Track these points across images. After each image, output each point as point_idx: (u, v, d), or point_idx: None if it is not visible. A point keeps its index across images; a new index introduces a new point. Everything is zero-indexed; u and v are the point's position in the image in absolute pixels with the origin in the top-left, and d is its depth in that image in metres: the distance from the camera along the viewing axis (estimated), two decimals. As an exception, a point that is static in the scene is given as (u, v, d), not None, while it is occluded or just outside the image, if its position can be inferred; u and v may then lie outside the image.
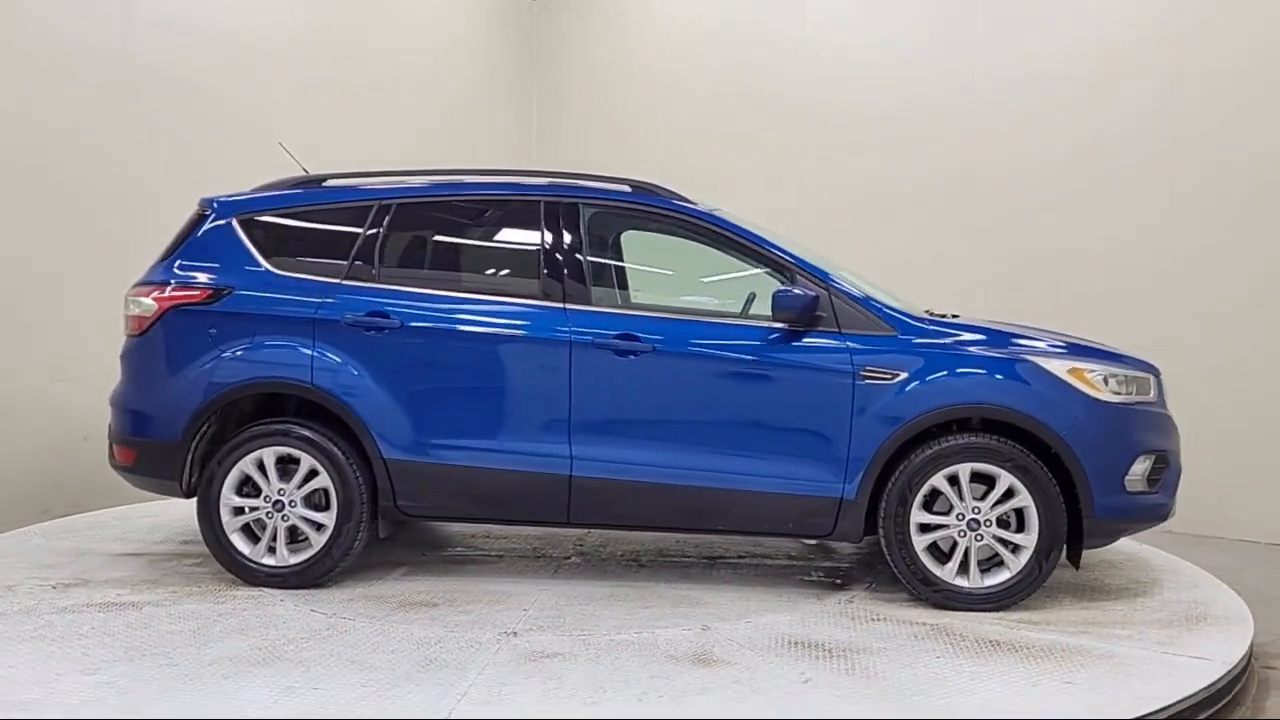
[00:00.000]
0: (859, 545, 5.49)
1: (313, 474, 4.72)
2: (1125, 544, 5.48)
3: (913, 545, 4.54)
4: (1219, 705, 3.83)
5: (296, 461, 4.73)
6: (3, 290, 6.23)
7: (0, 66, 6.20)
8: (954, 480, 4.53)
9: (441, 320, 4.77)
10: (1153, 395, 4.77)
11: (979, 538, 4.53)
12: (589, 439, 4.66)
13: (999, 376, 4.59)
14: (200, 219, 5.04)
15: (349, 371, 4.73)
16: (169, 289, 4.87)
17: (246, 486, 4.76)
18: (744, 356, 4.66)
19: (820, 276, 4.73)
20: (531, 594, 4.72)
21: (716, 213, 4.95)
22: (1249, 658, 4.21)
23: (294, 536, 4.75)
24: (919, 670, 3.83)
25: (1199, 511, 6.10)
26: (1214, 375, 6.84)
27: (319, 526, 4.72)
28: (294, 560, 4.72)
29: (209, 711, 3.37)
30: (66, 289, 6.51)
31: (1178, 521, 5.01)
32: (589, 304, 4.77)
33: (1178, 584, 5.09)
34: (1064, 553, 4.64)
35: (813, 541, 5.61)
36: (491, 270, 5.37)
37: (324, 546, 4.71)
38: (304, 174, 5.25)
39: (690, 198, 5.04)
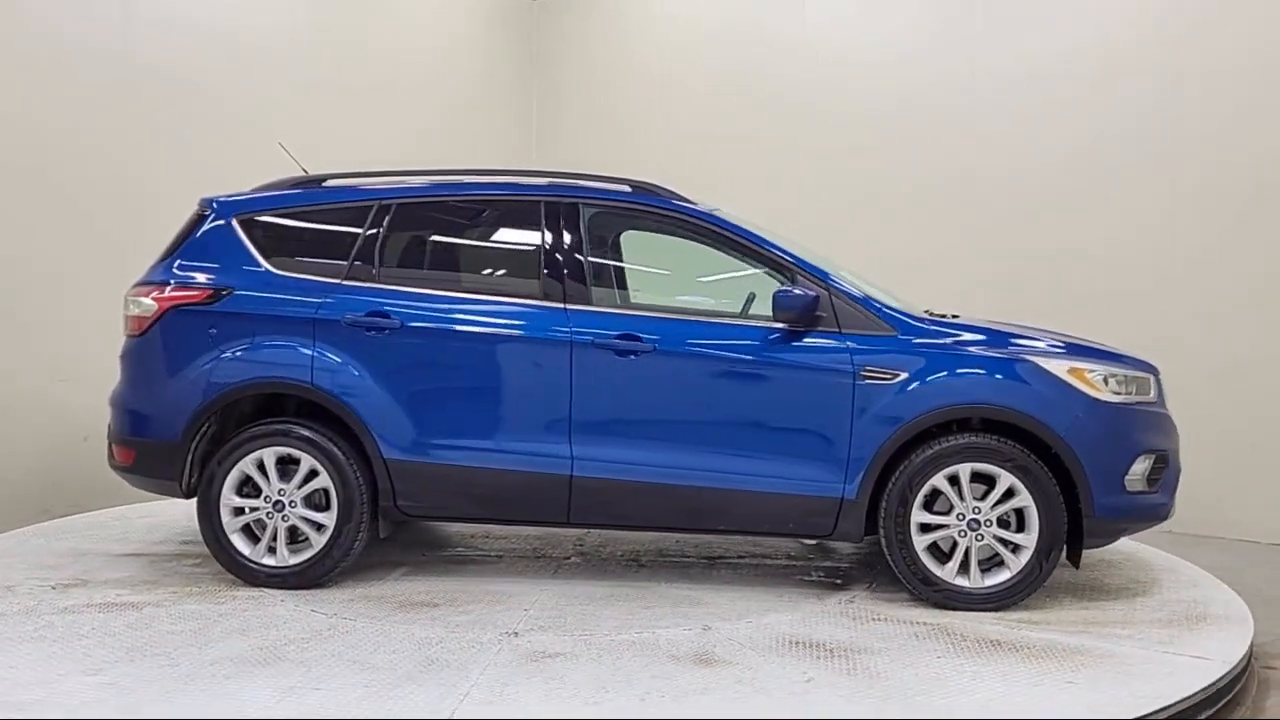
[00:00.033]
0: (859, 545, 5.49)
1: (313, 474, 4.72)
2: (1125, 544, 5.48)
3: (913, 545, 4.55)
4: (1219, 705, 3.84)
5: (296, 462, 4.73)
6: (3, 290, 6.22)
7: (0, 66, 6.20)
8: (954, 480, 4.53)
9: (442, 320, 4.77)
10: (1152, 395, 4.78)
11: (979, 537, 4.53)
12: (589, 439, 4.66)
13: (999, 376, 4.59)
14: (200, 219, 5.04)
15: (349, 372, 4.72)
16: (169, 289, 4.87)
17: (247, 487, 4.75)
18: (744, 356, 4.66)
19: (820, 276, 4.73)
20: (532, 594, 4.72)
21: (716, 213, 4.95)
22: (1249, 657, 4.22)
23: (294, 537, 4.75)
24: (920, 670, 3.83)
25: (1199, 511, 6.10)
26: (1214, 375, 6.85)
27: (319, 527, 4.72)
28: (294, 560, 4.72)
29: (211, 712, 3.37)
30: (66, 289, 6.51)
31: (1178, 521, 5.02)
32: (589, 304, 4.77)
33: (1178, 584, 5.10)
34: (1064, 552, 4.64)
35: (813, 541, 5.61)
36: (491, 270, 5.37)
37: (324, 547, 4.71)
38: (304, 174, 5.25)
39: (690, 198, 5.04)
